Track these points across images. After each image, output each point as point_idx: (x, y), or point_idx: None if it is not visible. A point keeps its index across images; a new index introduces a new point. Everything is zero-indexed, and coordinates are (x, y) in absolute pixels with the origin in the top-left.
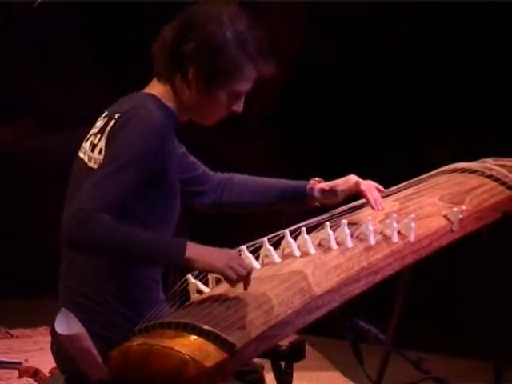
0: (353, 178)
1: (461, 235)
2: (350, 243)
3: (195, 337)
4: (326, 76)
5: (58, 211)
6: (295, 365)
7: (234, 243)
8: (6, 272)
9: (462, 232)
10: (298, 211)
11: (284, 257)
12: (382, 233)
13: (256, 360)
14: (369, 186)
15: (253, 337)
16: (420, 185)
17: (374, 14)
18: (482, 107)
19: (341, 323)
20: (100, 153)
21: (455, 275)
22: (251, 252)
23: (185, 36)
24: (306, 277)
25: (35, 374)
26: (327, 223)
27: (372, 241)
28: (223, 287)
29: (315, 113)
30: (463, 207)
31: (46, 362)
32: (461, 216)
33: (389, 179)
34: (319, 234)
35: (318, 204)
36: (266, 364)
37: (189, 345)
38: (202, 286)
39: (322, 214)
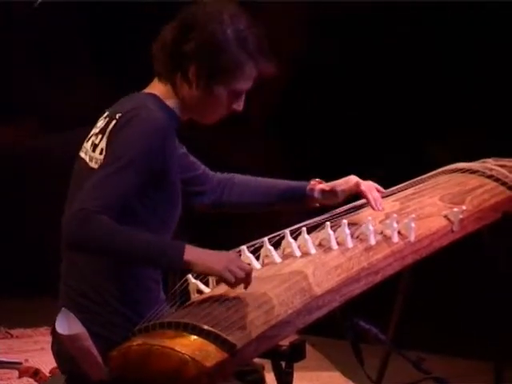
0: (353, 179)
1: (461, 235)
2: (350, 243)
3: (195, 337)
4: (326, 76)
5: (58, 211)
6: (295, 365)
7: (234, 243)
8: (6, 272)
9: (462, 232)
10: (299, 211)
11: (284, 257)
12: (382, 233)
13: (256, 360)
14: (369, 187)
15: (253, 337)
16: (420, 185)
17: (374, 13)
18: (482, 107)
19: (341, 323)
20: (101, 153)
21: (455, 275)
22: (252, 252)
23: (185, 36)
24: (307, 277)
25: (35, 374)
26: (327, 223)
27: (372, 241)
28: (223, 287)
29: (315, 113)
30: (464, 207)
31: (46, 362)
32: (461, 216)
33: (389, 179)
34: (320, 234)
35: (317, 205)
36: (267, 364)
37: (189, 345)
38: (202, 286)
39: (322, 214)
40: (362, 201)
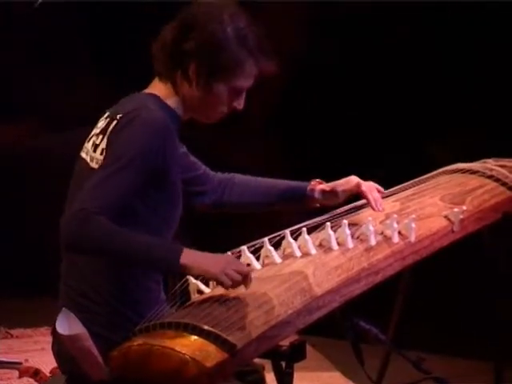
0: (353, 179)
1: (461, 236)
2: (350, 244)
3: (196, 337)
4: (326, 76)
5: (58, 211)
6: (296, 365)
7: (234, 243)
8: (6, 272)
9: (462, 232)
10: (299, 212)
11: (285, 257)
12: (382, 233)
13: (257, 360)
14: (369, 187)
15: (253, 337)
16: (421, 185)
17: (374, 14)
18: (482, 107)
19: (341, 323)
20: (102, 153)
21: (455, 275)
22: (252, 252)
23: (185, 35)
24: (307, 277)
25: (35, 374)
26: (328, 224)
27: (372, 241)
28: None
29: (315, 113)
30: (464, 208)
31: (46, 362)
32: (461, 216)
33: (389, 180)
34: (320, 235)
35: (318, 205)
36: (267, 364)
37: (189, 345)
38: (202, 287)
39: (322, 214)
40: (363, 201)
